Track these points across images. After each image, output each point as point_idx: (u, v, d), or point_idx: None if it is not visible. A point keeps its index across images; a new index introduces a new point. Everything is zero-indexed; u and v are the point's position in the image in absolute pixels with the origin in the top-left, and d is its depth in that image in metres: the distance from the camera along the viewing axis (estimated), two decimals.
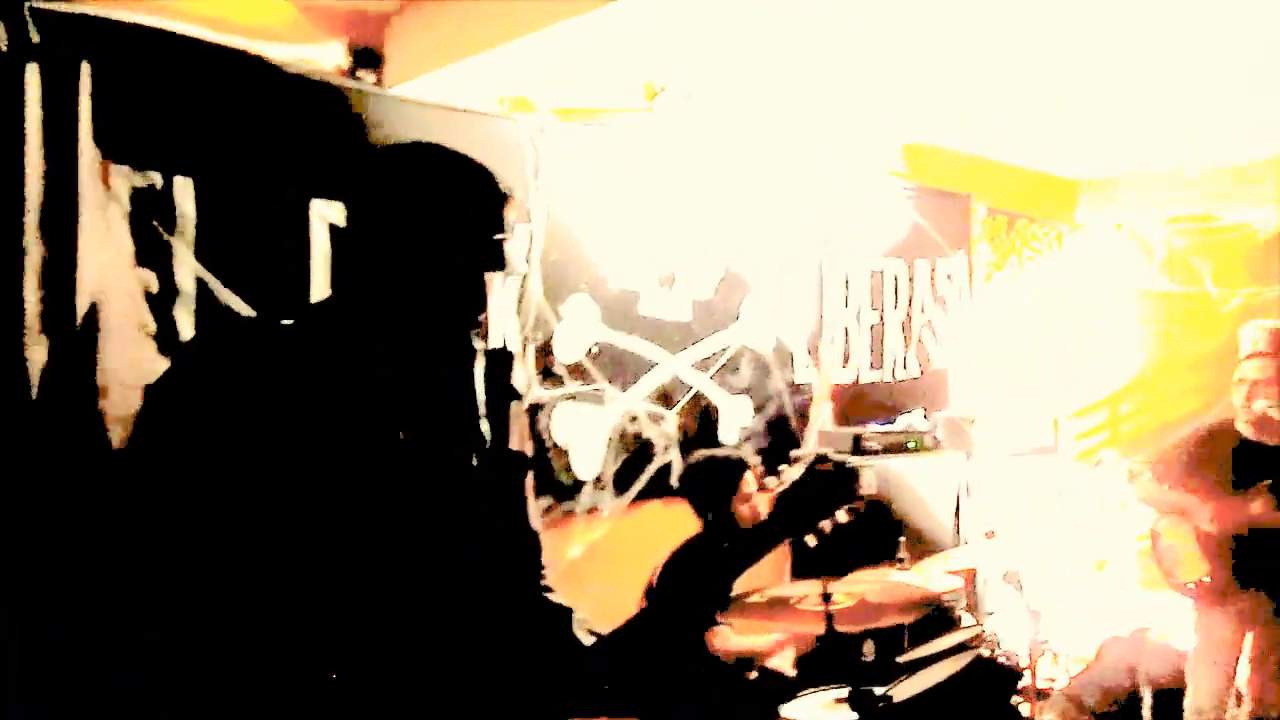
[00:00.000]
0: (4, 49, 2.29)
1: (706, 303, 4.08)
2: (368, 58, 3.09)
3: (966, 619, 3.81)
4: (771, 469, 3.29)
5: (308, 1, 2.94)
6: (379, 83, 3.10)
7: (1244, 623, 3.57)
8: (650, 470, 3.84)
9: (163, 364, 2.49)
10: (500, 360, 1.64)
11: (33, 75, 2.34)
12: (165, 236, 2.59)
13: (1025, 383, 5.57)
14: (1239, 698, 3.60)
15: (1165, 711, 3.78)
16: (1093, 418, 5.97)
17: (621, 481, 3.75)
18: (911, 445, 4.28)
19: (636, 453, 3.81)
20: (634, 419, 3.80)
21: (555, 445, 3.54)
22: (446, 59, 3.00)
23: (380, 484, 1.42)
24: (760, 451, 4.16)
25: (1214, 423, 3.73)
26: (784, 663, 3.28)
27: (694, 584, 1.84)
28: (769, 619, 2.66)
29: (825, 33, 3.30)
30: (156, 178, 2.57)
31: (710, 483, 3.37)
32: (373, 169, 1.52)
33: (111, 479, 1.90)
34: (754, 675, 3.21)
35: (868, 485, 1.61)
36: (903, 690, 2.85)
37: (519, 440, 1.64)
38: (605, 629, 1.61)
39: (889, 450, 4.19)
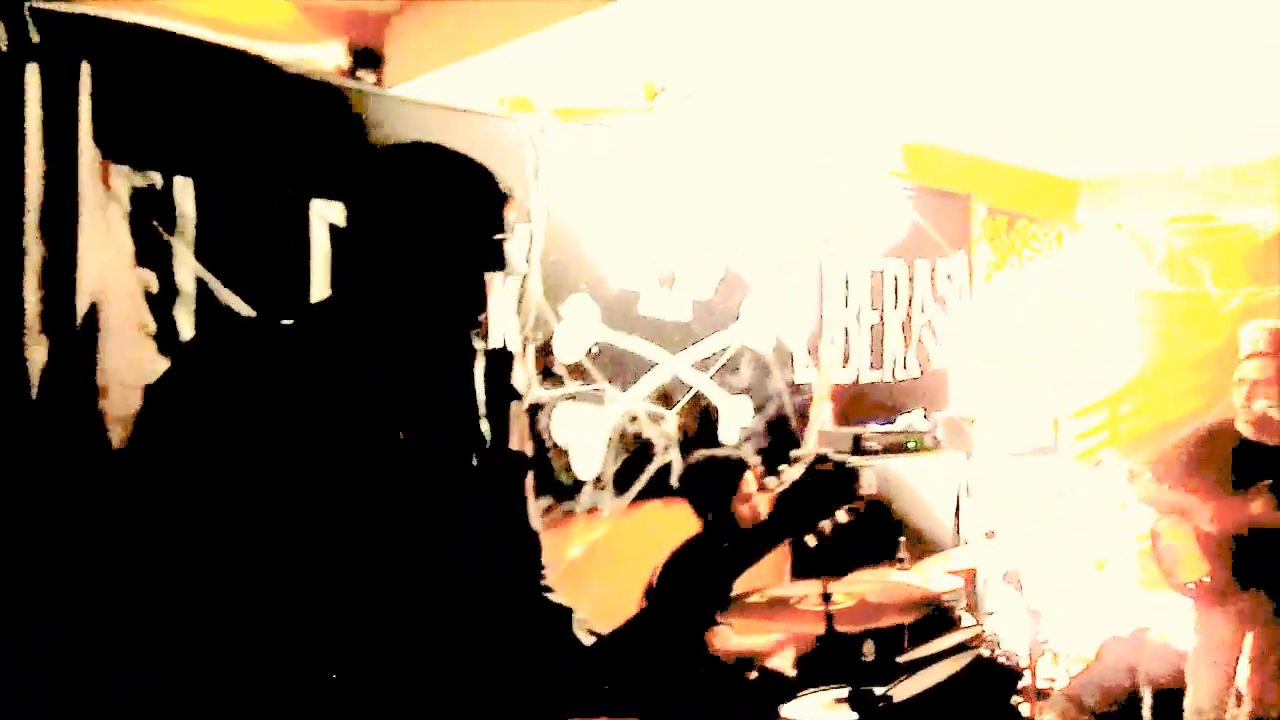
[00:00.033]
0: (4, 49, 2.29)
1: (706, 303, 4.08)
2: (368, 58, 3.09)
3: (966, 619, 3.81)
4: (771, 469, 3.29)
5: (308, 1, 2.94)
6: (379, 83, 3.10)
7: (1244, 623, 3.57)
8: (650, 470, 3.84)
9: (163, 364, 2.49)
10: (500, 360, 1.63)
11: (33, 75, 2.34)
12: (165, 236, 2.59)
13: (1025, 383, 5.57)
14: (1239, 698, 3.60)
15: (1165, 711, 3.78)
16: (1093, 418, 5.96)
17: (621, 481, 3.75)
18: (911, 445, 4.27)
19: (636, 453, 3.81)
20: (634, 419, 3.80)
21: (555, 445, 3.54)
22: (446, 59, 3.01)
23: (380, 484, 1.42)
24: (760, 451, 4.15)
25: (1214, 423, 3.73)
26: (784, 663, 3.28)
27: (694, 584, 1.83)
28: (769, 619, 2.66)
29: (825, 33, 3.30)
30: (156, 178, 2.57)
31: (710, 483, 3.37)
32: (373, 169, 1.52)
33: (111, 479, 1.90)
34: (754, 675, 3.21)
35: (868, 485, 1.61)
36: (903, 690, 2.85)
37: (519, 440, 1.63)
38: (605, 629, 1.61)
39: (889, 450, 4.19)
